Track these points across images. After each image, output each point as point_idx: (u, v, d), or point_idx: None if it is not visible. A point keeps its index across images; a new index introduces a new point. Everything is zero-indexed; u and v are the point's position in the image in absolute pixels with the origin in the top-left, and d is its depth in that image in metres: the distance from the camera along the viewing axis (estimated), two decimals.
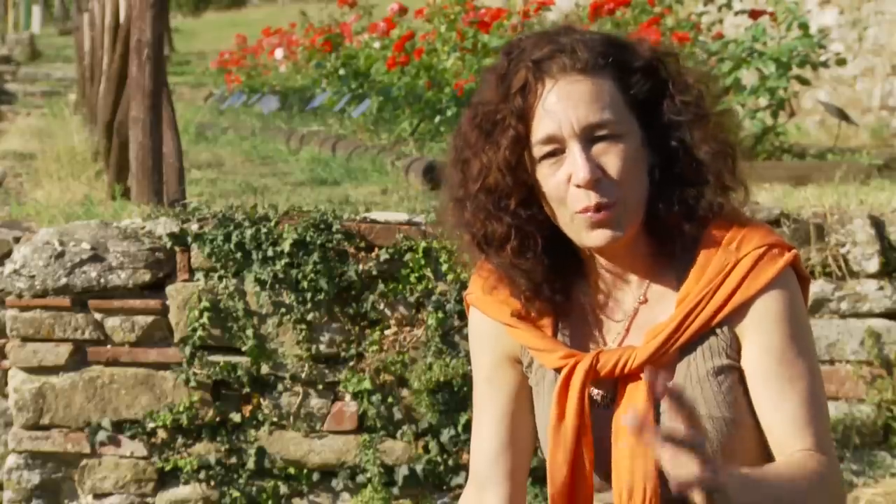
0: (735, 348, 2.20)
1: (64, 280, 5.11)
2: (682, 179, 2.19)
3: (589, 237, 2.17)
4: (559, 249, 2.24)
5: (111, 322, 5.13)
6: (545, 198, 2.20)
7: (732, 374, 2.20)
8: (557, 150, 2.18)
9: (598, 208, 2.15)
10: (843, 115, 8.74)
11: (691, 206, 2.19)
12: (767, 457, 2.20)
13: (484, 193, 2.22)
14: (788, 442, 2.16)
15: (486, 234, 2.23)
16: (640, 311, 2.25)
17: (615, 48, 2.21)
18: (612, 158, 2.16)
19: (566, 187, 2.17)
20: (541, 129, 2.18)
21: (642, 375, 2.20)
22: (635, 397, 2.21)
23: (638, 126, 2.19)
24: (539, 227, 2.22)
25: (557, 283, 2.25)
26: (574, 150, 2.16)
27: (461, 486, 5.15)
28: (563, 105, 2.16)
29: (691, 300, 2.19)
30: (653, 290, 2.25)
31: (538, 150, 2.19)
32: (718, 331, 2.20)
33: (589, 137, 2.16)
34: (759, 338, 2.18)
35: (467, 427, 5.11)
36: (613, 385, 2.24)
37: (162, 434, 5.16)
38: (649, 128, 2.20)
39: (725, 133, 2.22)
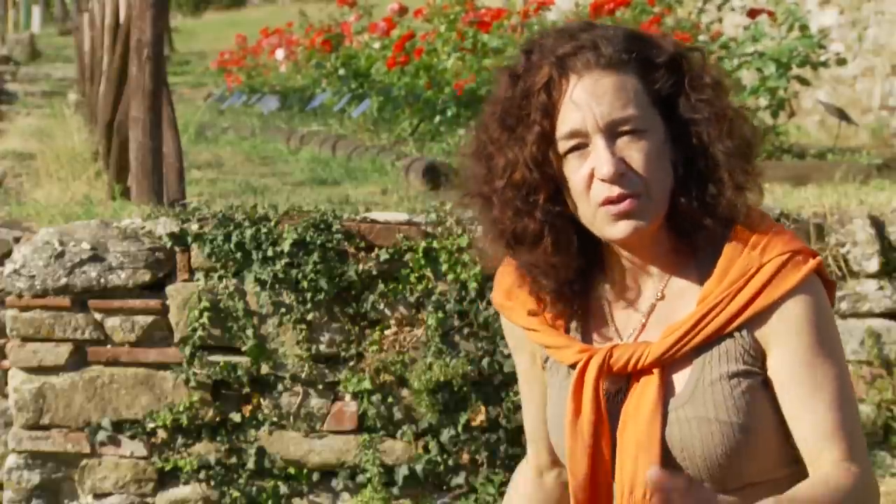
0: (754, 354, 2.19)
1: (64, 280, 5.11)
2: (701, 176, 2.20)
3: (613, 229, 2.18)
4: (587, 246, 2.25)
5: (111, 322, 5.13)
6: (570, 193, 2.20)
7: (749, 379, 2.19)
8: (581, 145, 2.18)
9: (620, 198, 2.15)
10: (843, 115, 8.74)
11: (710, 203, 2.19)
12: (790, 465, 2.20)
13: (511, 189, 2.22)
14: (819, 451, 2.16)
15: (516, 231, 2.23)
16: (658, 307, 2.25)
17: (638, 43, 2.21)
18: (635, 153, 2.17)
19: (590, 181, 2.17)
20: (565, 124, 2.18)
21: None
22: (646, 392, 2.21)
23: (661, 121, 2.20)
24: (570, 223, 2.23)
25: (579, 282, 2.26)
26: (598, 144, 2.16)
27: (461, 486, 5.15)
28: (587, 101, 2.17)
29: (711, 300, 2.19)
30: (672, 286, 2.25)
31: (563, 145, 2.19)
32: (737, 334, 2.19)
33: (613, 132, 2.17)
34: (786, 344, 2.18)
35: (467, 427, 5.12)
36: (627, 380, 2.25)
37: (162, 434, 5.16)
38: (672, 123, 2.21)
39: (742, 132, 2.22)
